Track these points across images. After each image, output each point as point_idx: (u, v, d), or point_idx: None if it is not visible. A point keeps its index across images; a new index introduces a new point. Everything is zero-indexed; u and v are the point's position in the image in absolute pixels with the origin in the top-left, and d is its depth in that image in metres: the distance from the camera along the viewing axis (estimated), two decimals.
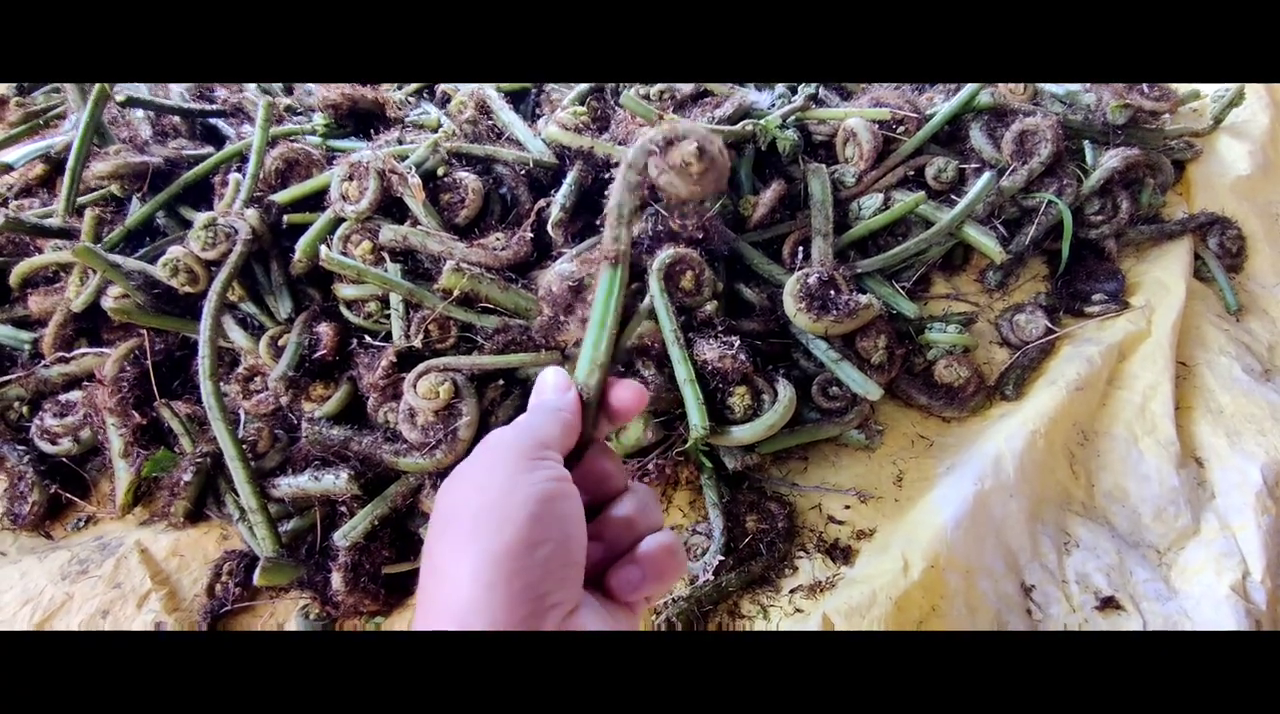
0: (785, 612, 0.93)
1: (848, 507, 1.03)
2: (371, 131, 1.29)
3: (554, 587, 0.43)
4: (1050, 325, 1.17)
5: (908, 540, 0.94)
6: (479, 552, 0.42)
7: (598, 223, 1.15)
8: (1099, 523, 1.01)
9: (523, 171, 1.15)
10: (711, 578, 0.92)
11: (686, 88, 1.30)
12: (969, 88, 1.26)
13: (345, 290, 1.08)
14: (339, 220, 1.09)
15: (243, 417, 1.06)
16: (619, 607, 0.50)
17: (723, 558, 0.94)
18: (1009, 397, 1.13)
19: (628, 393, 0.55)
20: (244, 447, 0.99)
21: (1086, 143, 1.29)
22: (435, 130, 1.22)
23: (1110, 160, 1.23)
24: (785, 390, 0.99)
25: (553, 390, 0.54)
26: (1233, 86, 1.44)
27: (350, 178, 1.08)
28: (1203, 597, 0.93)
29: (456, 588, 0.42)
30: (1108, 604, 0.93)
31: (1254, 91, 1.51)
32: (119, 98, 1.29)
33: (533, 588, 0.41)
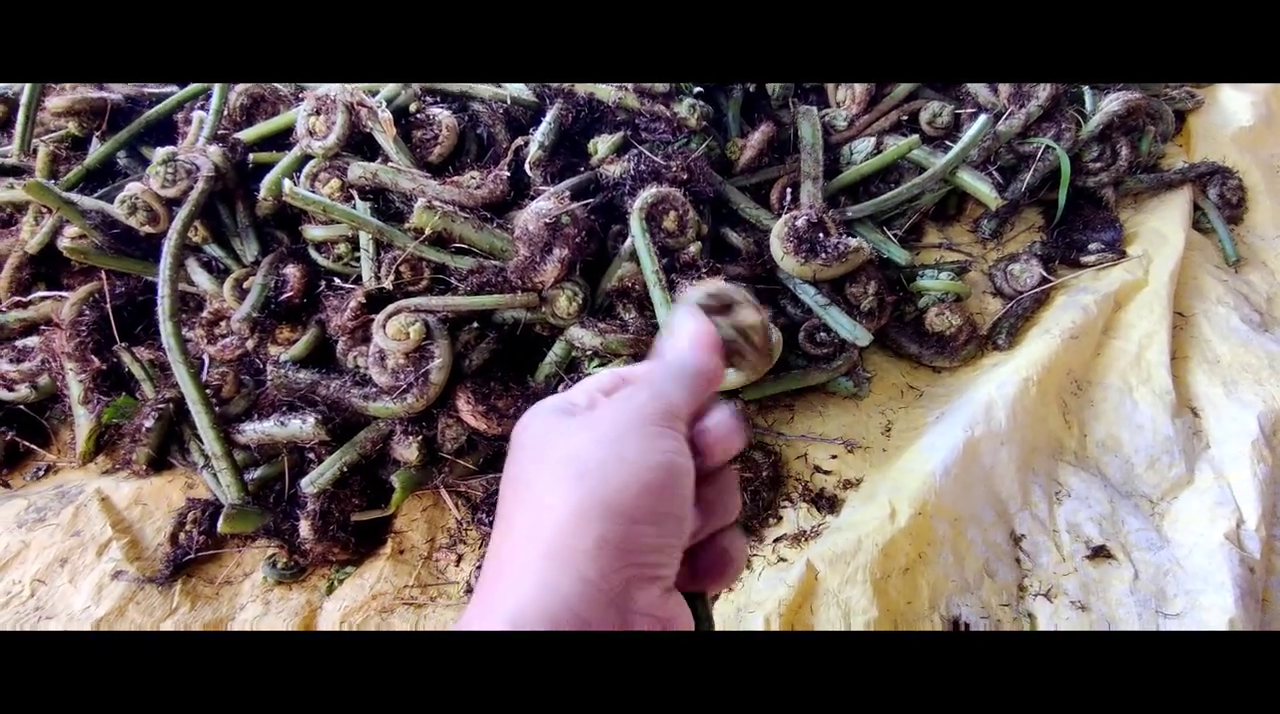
0: (769, 561, 0.91)
1: (834, 456, 1.00)
2: None
3: (667, 560, 0.40)
4: (1045, 274, 1.14)
5: (895, 488, 0.91)
6: (595, 499, 0.38)
7: (582, 165, 1.10)
8: (1091, 472, 0.98)
9: (500, 110, 1.10)
10: None
11: None
12: None
13: (314, 231, 1.03)
14: (306, 158, 1.04)
15: (207, 361, 1.01)
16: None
17: None
18: (1001, 346, 1.09)
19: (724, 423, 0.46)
20: (208, 392, 0.95)
21: (1085, 88, 1.24)
22: None
23: (1110, 104, 1.19)
24: (771, 335, 0.95)
25: (692, 347, 0.46)
26: None
27: (317, 112, 1.03)
28: (1195, 546, 0.90)
29: (560, 532, 0.38)
30: (1099, 553, 0.91)
31: None
32: None
33: (650, 553, 0.39)
